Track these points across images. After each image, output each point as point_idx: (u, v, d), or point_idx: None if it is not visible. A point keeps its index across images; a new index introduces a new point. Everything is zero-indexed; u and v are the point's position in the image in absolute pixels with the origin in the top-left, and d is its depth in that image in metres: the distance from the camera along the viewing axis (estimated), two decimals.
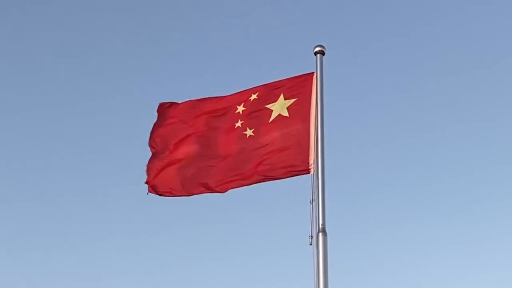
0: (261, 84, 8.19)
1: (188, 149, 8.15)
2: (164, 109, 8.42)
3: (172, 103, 8.44)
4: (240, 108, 8.10)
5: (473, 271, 18.08)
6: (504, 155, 19.23)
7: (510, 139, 19.38)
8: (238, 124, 8.05)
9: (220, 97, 8.31)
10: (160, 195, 8.04)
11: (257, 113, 8.03)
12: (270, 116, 7.99)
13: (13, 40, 21.46)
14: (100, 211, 19.55)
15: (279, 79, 8.15)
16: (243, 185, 7.79)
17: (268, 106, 8.04)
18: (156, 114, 8.45)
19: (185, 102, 8.40)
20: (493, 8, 20.63)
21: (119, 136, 20.17)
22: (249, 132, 7.98)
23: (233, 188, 7.83)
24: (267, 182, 7.74)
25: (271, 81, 8.18)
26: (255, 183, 7.76)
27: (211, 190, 7.89)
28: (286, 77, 8.11)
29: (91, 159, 20.25)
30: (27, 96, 21.22)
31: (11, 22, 21.61)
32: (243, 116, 8.06)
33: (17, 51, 21.29)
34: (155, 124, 8.38)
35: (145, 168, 8.13)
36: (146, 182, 8.06)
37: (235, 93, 8.24)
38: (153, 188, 8.03)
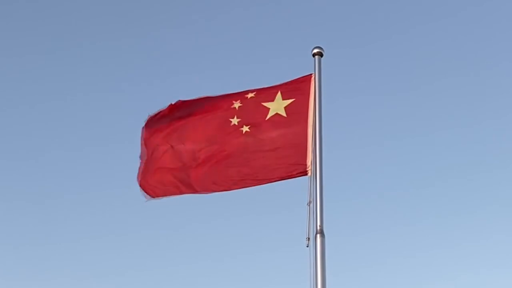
0: (258, 87, 8.20)
1: (182, 147, 8.13)
2: (153, 119, 8.37)
3: (160, 112, 8.38)
4: (236, 104, 8.08)
5: (473, 272, 18.10)
6: (505, 155, 19.25)
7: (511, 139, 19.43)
8: (234, 121, 8.03)
9: (214, 96, 8.27)
10: (156, 196, 8.02)
11: (253, 111, 8.01)
12: (266, 114, 7.98)
13: (5, 36, 21.51)
14: (99, 211, 19.58)
15: (277, 83, 8.13)
16: (239, 188, 7.78)
17: (265, 104, 8.03)
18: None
19: (176, 104, 8.35)
20: (493, 8, 20.66)
21: (118, 135, 20.16)
22: (245, 128, 7.97)
23: (229, 190, 7.82)
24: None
25: (268, 85, 8.18)
26: (251, 186, 7.75)
27: (206, 190, 7.88)
28: (284, 79, 8.11)
29: (90, 159, 20.27)
30: (26, 95, 21.23)
31: (7, 20, 21.62)
32: (239, 112, 8.04)
33: (11, 47, 21.31)
34: (145, 133, 8.32)
35: (139, 173, 8.13)
36: (142, 188, 8.06)
37: (231, 94, 8.22)
38: (149, 192, 8.00)
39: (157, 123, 8.29)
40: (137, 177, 8.11)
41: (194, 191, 7.92)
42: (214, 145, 8.00)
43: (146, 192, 8.01)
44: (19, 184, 20.12)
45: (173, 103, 8.36)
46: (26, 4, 21.52)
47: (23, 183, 20.20)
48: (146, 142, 8.24)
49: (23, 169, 20.37)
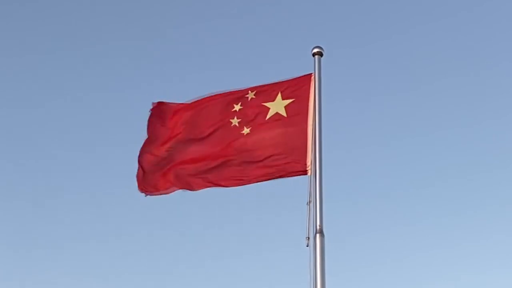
0: (258, 84, 8.21)
1: (182, 147, 8.13)
2: (158, 110, 8.38)
3: (166, 105, 8.40)
4: (237, 107, 8.11)
5: (473, 272, 18.11)
6: (505, 155, 19.26)
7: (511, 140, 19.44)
8: (235, 122, 8.05)
9: (214, 96, 8.28)
10: (155, 193, 8.03)
11: (254, 111, 8.03)
12: (267, 114, 8.00)
13: (5, 36, 21.52)
14: (99, 211, 19.58)
15: (276, 81, 8.15)
16: (240, 185, 7.79)
17: (265, 104, 8.05)
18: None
19: (180, 104, 8.37)
20: (493, 8, 20.67)
21: (118, 135, 20.17)
22: (246, 130, 7.99)
23: (229, 187, 7.83)
24: (264, 182, 7.75)
25: (268, 82, 8.20)
26: (252, 183, 7.77)
27: (206, 186, 7.89)
28: (284, 78, 8.13)
29: (89, 158, 20.27)
30: (26, 95, 21.23)
31: (7, 20, 21.63)
32: (240, 114, 8.06)
33: (11, 47, 21.31)
34: (149, 126, 8.34)
35: (138, 169, 8.14)
36: (140, 184, 8.06)
37: (231, 92, 8.23)
38: (148, 188, 8.01)
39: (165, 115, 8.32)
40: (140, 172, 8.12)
41: (195, 187, 7.94)
42: (215, 145, 8.02)
43: (146, 188, 8.03)
44: (19, 184, 20.14)
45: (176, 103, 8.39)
46: (26, 4, 21.55)
47: (23, 183, 20.22)
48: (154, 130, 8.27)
49: (23, 169, 20.39)
